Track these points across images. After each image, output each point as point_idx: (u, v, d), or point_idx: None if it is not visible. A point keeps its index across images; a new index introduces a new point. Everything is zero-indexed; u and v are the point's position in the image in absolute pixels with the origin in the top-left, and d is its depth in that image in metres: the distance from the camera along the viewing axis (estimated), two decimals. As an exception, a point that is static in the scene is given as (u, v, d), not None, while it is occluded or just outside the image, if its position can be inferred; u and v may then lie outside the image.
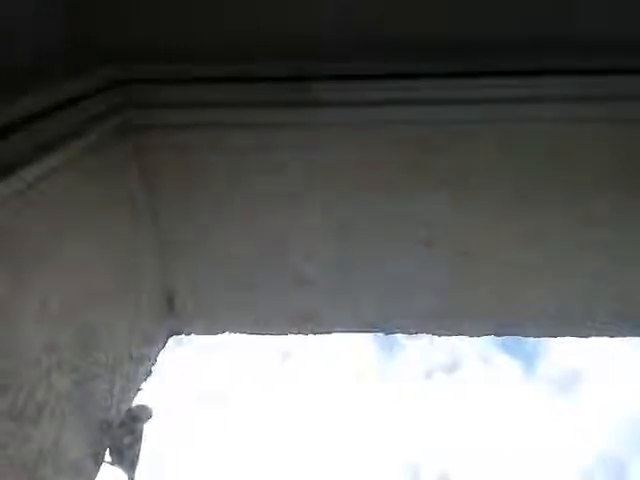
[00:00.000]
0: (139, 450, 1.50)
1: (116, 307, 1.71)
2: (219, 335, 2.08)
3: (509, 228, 1.83)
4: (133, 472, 1.48)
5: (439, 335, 2.03)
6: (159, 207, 1.89)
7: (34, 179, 1.20)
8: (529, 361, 10.31)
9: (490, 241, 1.86)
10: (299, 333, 2.04)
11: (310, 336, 2.04)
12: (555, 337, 2.07)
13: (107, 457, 1.50)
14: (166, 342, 2.05)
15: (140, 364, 1.83)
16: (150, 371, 1.89)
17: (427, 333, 2.02)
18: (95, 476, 1.51)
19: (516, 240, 1.84)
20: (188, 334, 2.10)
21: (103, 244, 1.61)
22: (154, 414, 1.63)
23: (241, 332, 2.07)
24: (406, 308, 1.99)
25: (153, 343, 1.96)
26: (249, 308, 2.04)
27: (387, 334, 2.06)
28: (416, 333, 2.04)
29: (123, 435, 1.49)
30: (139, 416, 1.59)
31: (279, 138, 1.75)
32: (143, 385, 1.81)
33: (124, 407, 1.63)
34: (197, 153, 1.75)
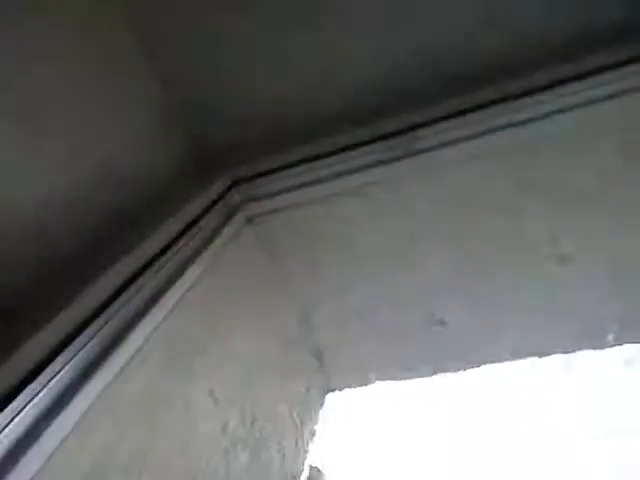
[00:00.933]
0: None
1: (273, 378, 1.87)
2: (370, 386, 2.14)
3: None
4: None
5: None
6: (291, 277, 2.05)
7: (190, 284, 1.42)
8: None
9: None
10: (448, 372, 2.05)
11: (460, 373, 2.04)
12: None
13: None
14: (324, 401, 2.17)
15: (304, 427, 1.96)
16: (314, 431, 2.00)
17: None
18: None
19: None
20: (342, 389, 2.20)
21: (254, 325, 1.80)
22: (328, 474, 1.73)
23: (391, 379, 2.13)
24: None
25: (311, 404, 2.09)
26: (394, 355, 2.10)
27: (541, 357, 1.98)
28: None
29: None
30: (314, 478, 1.69)
31: (388, 188, 1.81)
32: (311, 447, 1.93)
33: (298, 472, 1.76)
34: (313, 224, 1.88)
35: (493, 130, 1.65)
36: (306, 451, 1.90)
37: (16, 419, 0.89)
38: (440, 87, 1.68)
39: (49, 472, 0.91)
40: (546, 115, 1.60)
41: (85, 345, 1.07)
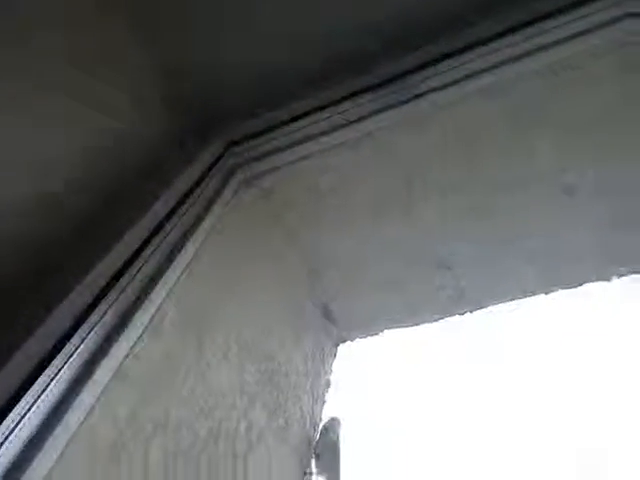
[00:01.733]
0: (339, 459, 1.66)
1: (285, 333, 1.90)
2: (381, 335, 2.18)
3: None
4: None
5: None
6: (294, 234, 2.05)
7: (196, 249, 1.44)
8: None
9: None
10: (454, 315, 2.08)
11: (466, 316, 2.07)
12: None
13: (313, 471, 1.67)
14: (336, 352, 2.21)
15: (318, 378, 2.00)
16: (329, 382, 2.05)
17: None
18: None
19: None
20: (353, 340, 2.24)
21: (263, 284, 1.81)
22: (344, 422, 1.78)
23: (399, 327, 2.16)
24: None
25: (324, 356, 2.13)
26: (402, 303, 2.13)
27: (547, 294, 2.01)
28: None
29: (323, 449, 1.66)
30: (333, 428, 1.74)
31: (391, 135, 1.78)
32: (327, 397, 1.98)
33: (316, 423, 1.81)
34: (312, 179, 1.86)
35: (491, 68, 1.60)
36: (323, 402, 1.95)
37: (42, 395, 0.91)
38: (434, 27, 1.63)
39: (77, 444, 0.93)
40: (543, 47, 1.56)
41: (103, 316, 1.08)
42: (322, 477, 1.61)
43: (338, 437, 1.71)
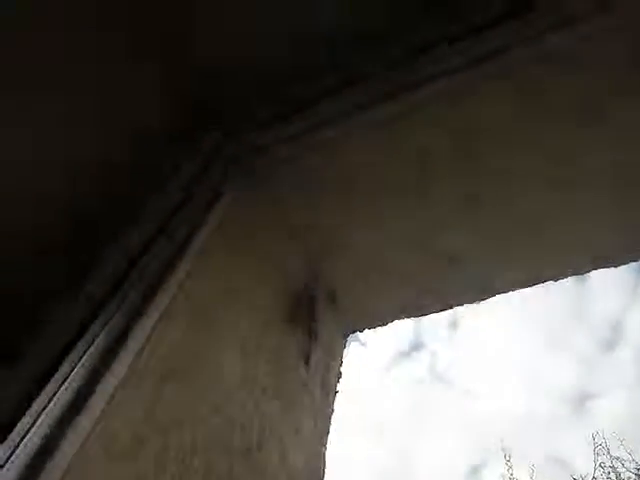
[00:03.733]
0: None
1: (292, 326, 1.89)
2: (389, 325, 2.18)
3: None
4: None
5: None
6: (297, 226, 2.03)
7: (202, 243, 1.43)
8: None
9: None
10: (463, 304, 2.07)
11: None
12: None
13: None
14: (345, 342, 2.21)
15: (329, 369, 2.00)
16: (340, 373, 2.05)
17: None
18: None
19: None
20: (361, 330, 2.24)
21: (269, 276, 1.80)
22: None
23: (408, 317, 2.15)
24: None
25: (333, 346, 2.13)
26: (409, 293, 2.11)
27: (556, 280, 1.99)
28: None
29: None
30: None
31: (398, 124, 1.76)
32: (338, 388, 1.98)
33: (328, 414, 1.81)
34: (313, 170, 1.84)
35: (488, 55, 1.58)
36: (335, 392, 1.94)
37: (58, 392, 0.90)
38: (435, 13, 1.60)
39: (93, 443, 0.93)
40: (541, 32, 1.53)
41: (113, 315, 1.07)
42: None
43: None
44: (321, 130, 1.73)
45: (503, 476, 12.07)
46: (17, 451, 0.81)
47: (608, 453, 11.93)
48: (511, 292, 2.01)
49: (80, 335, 0.98)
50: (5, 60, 1.21)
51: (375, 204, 1.94)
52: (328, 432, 1.80)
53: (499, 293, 2.02)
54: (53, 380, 0.93)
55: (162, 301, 1.16)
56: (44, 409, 0.86)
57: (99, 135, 1.45)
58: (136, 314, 1.07)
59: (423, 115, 1.72)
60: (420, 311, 2.14)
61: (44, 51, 1.31)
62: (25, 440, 0.84)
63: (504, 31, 1.51)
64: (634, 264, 1.97)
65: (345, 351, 2.18)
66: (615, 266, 1.94)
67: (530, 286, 2.01)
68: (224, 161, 1.70)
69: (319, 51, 1.72)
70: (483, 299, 2.04)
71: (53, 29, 1.35)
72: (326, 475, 1.71)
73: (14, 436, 0.80)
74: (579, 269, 1.93)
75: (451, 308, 2.09)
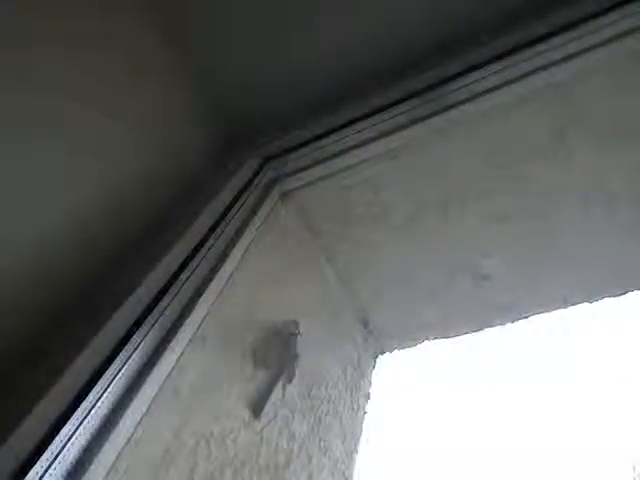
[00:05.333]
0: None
1: (324, 346, 1.91)
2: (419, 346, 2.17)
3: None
4: None
5: None
6: (329, 247, 2.07)
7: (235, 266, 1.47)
8: None
9: None
10: (494, 326, 2.05)
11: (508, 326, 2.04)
12: None
13: None
14: (375, 364, 2.21)
15: (358, 391, 2.00)
16: (369, 394, 2.05)
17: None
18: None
19: None
20: (391, 351, 2.24)
21: (299, 296, 1.84)
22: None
23: (440, 338, 2.14)
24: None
25: (363, 367, 2.14)
26: (440, 314, 2.11)
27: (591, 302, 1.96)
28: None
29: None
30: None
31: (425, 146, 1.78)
32: (367, 409, 1.98)
33: (357, 435, 1.81)
34: (346, 192, 1.88)
35: (525, 75, 1.59)
36: (363, 414, 1.95)
37: (91, 412, 0.94)
38: (469, 36, 1.63)
39: (125, 461, 0.96)
40: (579, 53, 1.54)
41: (145, 336, 1.12)
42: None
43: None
44: (354, 152, 1.77)
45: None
46: (56, 461, 0.85)
47: None
48: (542, 314, 1.99)
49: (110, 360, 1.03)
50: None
51: (409, 224, 1.96)
52: (357, 453, 1.80)
53: (530, 315, 2.00)
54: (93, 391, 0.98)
55: (192, 325, 1.21)
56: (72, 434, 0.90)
57: (132, 164, 1.52)
58: (164, 343, 1.12)
59: (456, 135, 1.74)
60: (451, 332, 2.13)
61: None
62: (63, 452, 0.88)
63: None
64: None
65: (374, 372, 2.18)
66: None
67: (563, 308, 1.99)
68: (260, 186, 1.76)
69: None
70: (513, 321, 2.02)
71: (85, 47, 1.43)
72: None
73: (53, 448, 0.85)
74: (610, 292, 1.90)
75: (481, 330, 2.08)
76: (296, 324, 1.59)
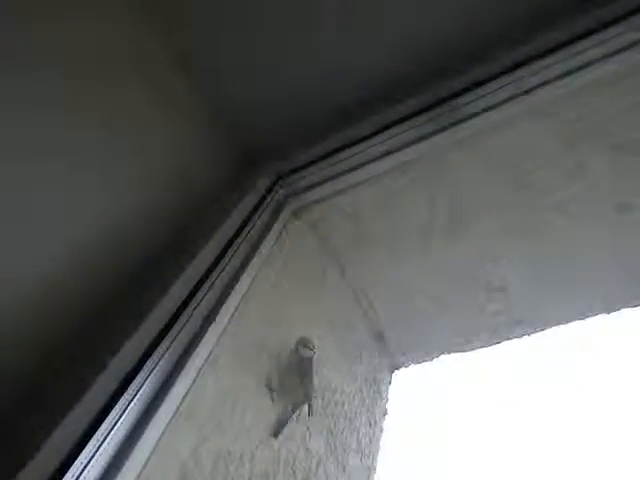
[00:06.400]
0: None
1: (339, 362, 1.91)
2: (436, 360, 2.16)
3: None
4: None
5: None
6: (343, 262, 2.07)
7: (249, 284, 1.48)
8: None
9: None
10: (511, 339, 2.03)
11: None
12: None
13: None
14: (391, 379, 2.20)
15: (375, 406, 1.99)
16: (386, 410, 2.04)
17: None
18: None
19: None
20: (407, 366, 2.22)
21: (314, 313, 1.84)
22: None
23: (455, 352, 2.13)
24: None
25: (379, 383, 2.12)
26: (456, 327, 2.10)
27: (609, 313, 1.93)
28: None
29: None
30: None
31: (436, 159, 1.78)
32: (384, 425, 1.97)
33: (375, 452, 1.80)
34: (359, 207, 1.88)
35: (536, 86, 1.59)
36: (381, 430, 1.93)
37: (108, 437, 0.95)
38: (479, 49, 1.63)
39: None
40: (591, 62, 1.53)
41: (162, 356, 1.13)
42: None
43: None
44: (365, 168, 1.78)
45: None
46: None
47: None
48: (559, 327, 1.96)
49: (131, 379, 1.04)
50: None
51: (423, 238, 1.95)
52: (375, 470, 1.79)
53: (546, 328, 1.98)
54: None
55: (208, 346, 1.22)
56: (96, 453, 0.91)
57: (144, 181, 1.54)
58: (179, 366, 1.13)
59: (468, 148, 1.74)
60: (467, 346, 2.11)
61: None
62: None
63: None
64: None
65: (391, 387, 2.16)
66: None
67: (581, 320, 1.96)
68: (273, 204, 1.77)
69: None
70: (530, 334, 2.00)
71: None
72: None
73: (71, 474, 0.86)
74: (628, 303, 1.88)
75: (498, 343, 2.06)
76: (311, 342, 1.59)
